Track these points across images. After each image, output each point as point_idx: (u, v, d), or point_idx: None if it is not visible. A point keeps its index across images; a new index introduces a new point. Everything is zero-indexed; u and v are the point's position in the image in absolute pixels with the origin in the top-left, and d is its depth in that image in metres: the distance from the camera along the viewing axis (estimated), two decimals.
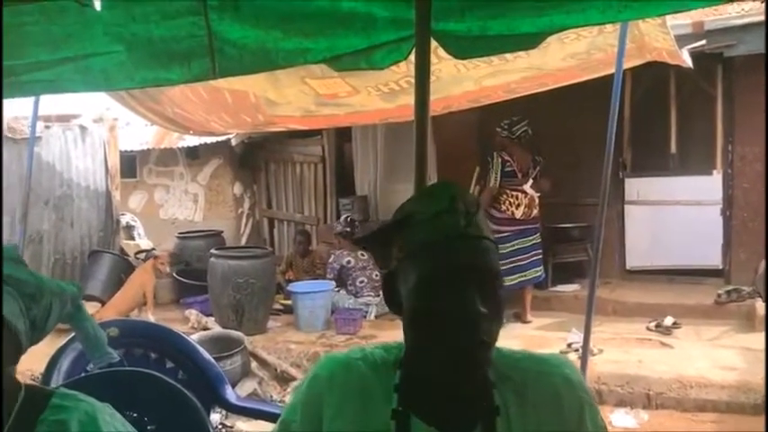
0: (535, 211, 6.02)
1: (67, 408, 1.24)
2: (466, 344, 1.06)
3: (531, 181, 5.97)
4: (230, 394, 2.36)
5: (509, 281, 5.59)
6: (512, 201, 5.92)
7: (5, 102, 6.21)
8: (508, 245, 5.84)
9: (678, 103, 6.77)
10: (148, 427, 1.44)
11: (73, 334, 2.15)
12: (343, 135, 8.37)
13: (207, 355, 2.40)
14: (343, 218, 7.04)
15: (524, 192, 5.93)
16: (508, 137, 5.95)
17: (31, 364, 1.58)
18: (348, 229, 6.67)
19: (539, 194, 6.01)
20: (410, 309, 1.11)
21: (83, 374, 2.04)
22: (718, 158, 6.62)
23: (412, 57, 2.30)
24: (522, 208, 5.93)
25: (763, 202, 5.61)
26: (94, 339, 1.37)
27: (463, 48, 2.34)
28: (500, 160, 5.89)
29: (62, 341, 2.20)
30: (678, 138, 6.84)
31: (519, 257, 5.91)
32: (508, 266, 5.73)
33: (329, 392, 1.17)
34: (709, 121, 6.61)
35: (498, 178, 5.89)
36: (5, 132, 6.16)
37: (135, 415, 1.51)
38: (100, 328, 1.40)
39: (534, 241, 6.04)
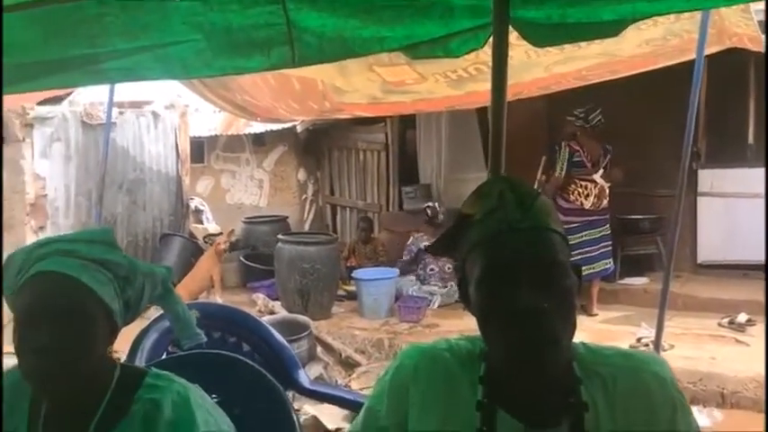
0: (605, 202, 5.89)
1: (161, 387, 1.29)
2: (529, 339, 1.05)
3: (601, 171, 5.84)
4: (303, 378, 2.41)
5: None
6: (580, 191, 5.80)
7: (83, 89, 6.43)
8: (576, 236, 5.74)
9: (757, 92, 6.49)
10: (234, 411, 1.47)
11: (156, 315, 2.22)
12: (406, 122, 8.35)
13: (281, 339, 2.45)
14: (425, 206, 7.04)
15: (594, 182, 5.81)
16: (582, 126, 5.81)
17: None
18: (429, 216, 6.71)
19: (609, 185, 5.87)
20: (475, 307, 1.12)
21: (164, 356, 2.11)
22: None
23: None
24: (591, 198, 5.81)
25: None
26: (185, 320, 1.41)
27: (542, 35, 2.29)
28: (568, 150, 5.78)
29: (144, 323, 2.28)
30: (756, 127, 6.57)
31: (587, 249, 5.80)
32: (576, 258, 5.62)
33: (415, 382, 1.17)
34: None
35: (564, 168, 5.77)
36: (82, 118, 6.38)
37: (217, 398, 1.54)
38: (188, 310, 1.43)
39: (604, 233, 5.92)
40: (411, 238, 6.71)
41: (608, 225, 5.97)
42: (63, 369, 1.22)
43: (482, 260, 1.09)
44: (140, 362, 2.09)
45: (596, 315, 5.91)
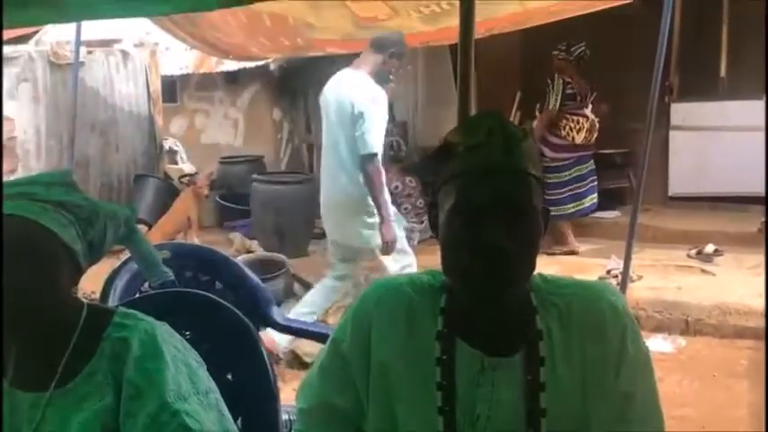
0: (594, 137, 5.85)
1: (128, 326, 1.31)
2: (487, 277, 1.08)
3: (590, 105, 5.78)
4: (277, 314, 2.45)
5: (564, 210, 5.53)
6: (572, 126, 5.72)
7: (50, 27, 6.25)
8: (566, 173, 5.72)
9: (730, 25, 6.49)
10: (203, 346, 1.51)
11: (127, 256, 2.23)
12: None
13: (254, 277, 2.48)
14: (387, 140, 7.02)
15: (585, 116, 5.72)
16: (566, 58, 5.73)
17: (87, 286, 1.67)
18: (392, 153, 6.67)
19: (598, 119, 5.83)
20: (441, 235, 1.15)
21: (137, 295, 2.13)
22: None
23: None
24: (583, 133, 5.73)
25: None
26: (150, 259, 1.43)
27: None
28: (561, 82, 5.68)
29: (116, 263, 2.29)
30: (729, 61, 6.60)
31: (576, 185, 5.78)
32: (565, 195, 5.64)
33: (377, 315, 1.21)
34: (762, 43, 6.34)
35: (559, 101, 5.68)
36: (50, 57, 6.23)
37: (189, 334, 1.57)
38: (154, 249, 1.45)
39: (590, 167, 5.91)
40: None
41: (593, 160, 5.97)
42: (28, 310, 1.23)
43: (457, 192, 1.11)
44: (113, 302, 2.12)
45: (572, 250, 5.95)
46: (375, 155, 3.75)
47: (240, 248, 6.14)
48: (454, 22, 4.90)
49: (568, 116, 5.73)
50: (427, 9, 4.82)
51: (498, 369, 1.16)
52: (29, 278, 1.22)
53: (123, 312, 1.35)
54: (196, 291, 1.76)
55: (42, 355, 1.29)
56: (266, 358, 1.58)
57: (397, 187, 6.53)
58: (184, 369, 1.30)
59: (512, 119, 6.48)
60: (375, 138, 3.74)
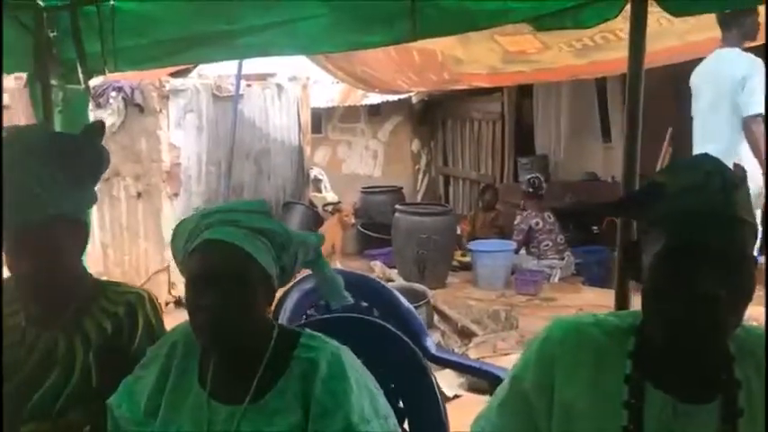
0: None
1: (315, 347, 1.38)
2: (697, 325, 1.05)
3: None
4: (430, 344, 2.47)
5: None
6: None
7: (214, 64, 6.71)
8: None
9: None
10: (375, 372, 1.55)
11: (299, 278, 2.35)
12: (523, 92, 8.20)
13: (409, 306, 2.52)
14: (527, 178, 6.93)
15: None
16: None
17: None
18: (530, 190, 6.57)
19: None
20: (648, 279, 1.12)
21: (304, 316, 2.23)
22: None
23: None
24: None
25: None
26: (333, 283, 1.50)
27: (682, 4, 2.23)
28: None
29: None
30: None
31: None
32: None
33: (561, 355, 1.20)
34: None
35: None
36: (213, 90, 6.69)
37: (362, 359, 1.62)
38: (336, 274, 1.52)
39: None
40: (518, 217, 6.59)
41: None
42: (228, 327, 1.33)
43: (672, 235, 1.08)
44: (283, 321, 2.22)
45: None
46: (760, 115, 3.86)
47: (381, 276, 6.25)
48: (605, 55, 4.82)
49: None
50: (579, 43, 4.76)
51: (692, 416, 1.12)
52: (231, 300, 1.32)
53: (310, 334, 1.43)
54: (366, 317, 1.82)
55: (239, 370, 1.39)
56: (436, 387, 1.60)
57: (537, 223, 6.43)
58: (366, 393, 1.36)
59: (663, 156, 6.22)
60: (759, 99, 3.88)
